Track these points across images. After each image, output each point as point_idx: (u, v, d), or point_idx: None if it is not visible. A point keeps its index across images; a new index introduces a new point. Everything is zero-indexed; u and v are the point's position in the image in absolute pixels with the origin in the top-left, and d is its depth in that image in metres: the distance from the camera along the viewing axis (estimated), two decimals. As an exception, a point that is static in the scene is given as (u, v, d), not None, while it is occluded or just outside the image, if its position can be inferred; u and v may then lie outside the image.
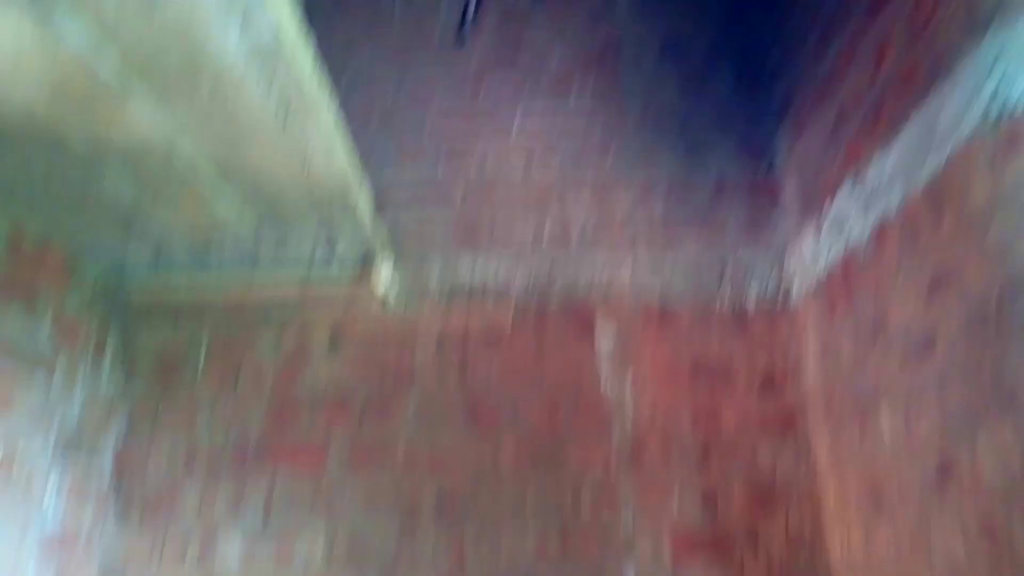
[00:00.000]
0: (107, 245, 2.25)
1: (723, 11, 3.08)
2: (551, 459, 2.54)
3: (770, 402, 2.59)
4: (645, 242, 2.79)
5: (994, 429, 1.60)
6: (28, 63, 1.44)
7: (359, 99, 2.99)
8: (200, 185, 1.91)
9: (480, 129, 2.95)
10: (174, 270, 2.40)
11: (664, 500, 2.49)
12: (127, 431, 2.61)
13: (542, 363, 2.65)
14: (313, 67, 1.64)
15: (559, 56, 3.05)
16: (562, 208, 2.85)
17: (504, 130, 2.95)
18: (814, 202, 2.54)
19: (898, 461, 2.00)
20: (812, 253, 2.54)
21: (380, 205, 2.82)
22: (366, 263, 2.40)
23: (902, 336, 1.97)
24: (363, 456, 2.57)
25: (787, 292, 2.71)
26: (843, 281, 2.32)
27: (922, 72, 1.89)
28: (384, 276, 2.41)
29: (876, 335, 2.11)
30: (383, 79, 3.04)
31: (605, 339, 2.67)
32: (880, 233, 2.09)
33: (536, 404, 2.60)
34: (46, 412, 2.22)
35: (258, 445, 2.59)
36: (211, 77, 1.52)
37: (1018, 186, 1.53)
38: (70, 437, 2.34)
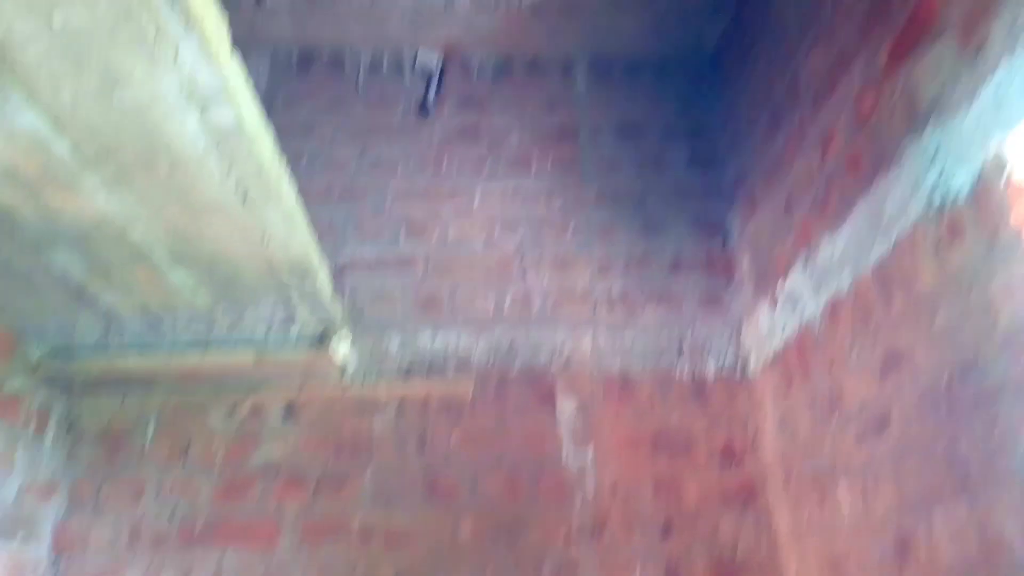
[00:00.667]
0: (54, 321, 2.19)
1: (676, 96, 3.22)
2: (511, 533, 2.50)
3: (731, 474, 2.60)
4: (605, 315, 2.82)
5: (950, 508, 1.63)
6: (-22, 147, 1.40)
7: (320, 174, 3.01)
8: (154, 262, 1.87)
9: (440, 206, 2.99)
10: (124, 345, 2.33)
11: (626, 574, 2.45)
12: (68, 508, 2.50)
13: (503, 435, 2.63)
14: (273, 148, 1.63)
15: (518, 136, 3.13)
16: (522, 282, 2.87)
17: (464, 207, 2.99)
18: (768, 278, 2.61)
19: (857, 537, 2.01)
20: (768, 327, 2.59)
21: (340, 278, 2.81)
22: (324, 336, 2.37)
23: (858, 412, 2.01)
24: (317, 532, 2.49)
25: (744, 364, 2.76)
26: (799, 356, 2.36)
27: (867, 161, 1.97)
28: (342, 349, 2.39)
29: (832, 410, 2.14)
30: (344, 155, 3.06)
31: (566, 411, 2.67)
32: (832, 310, 2.15)
33: (496, 477, 2.57)
34: (-18, 489, 2.13)
35: (207, 521, 2.50)
36: (169, 160, 1.51)
37: (961, 273, 1.58)
38: (7, 514, 2.24)
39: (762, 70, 2.70)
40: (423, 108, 3.11)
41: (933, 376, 1.68)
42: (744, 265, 2.84)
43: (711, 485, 2.58)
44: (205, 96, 1.34)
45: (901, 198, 1.80)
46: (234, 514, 2.51)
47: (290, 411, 2.63)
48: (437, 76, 3.16)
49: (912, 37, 1.77)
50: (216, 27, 1.26)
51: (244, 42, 3.07)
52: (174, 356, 2.35)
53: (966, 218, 1.57)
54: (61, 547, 2.45)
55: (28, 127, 1.37)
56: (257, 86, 3.08)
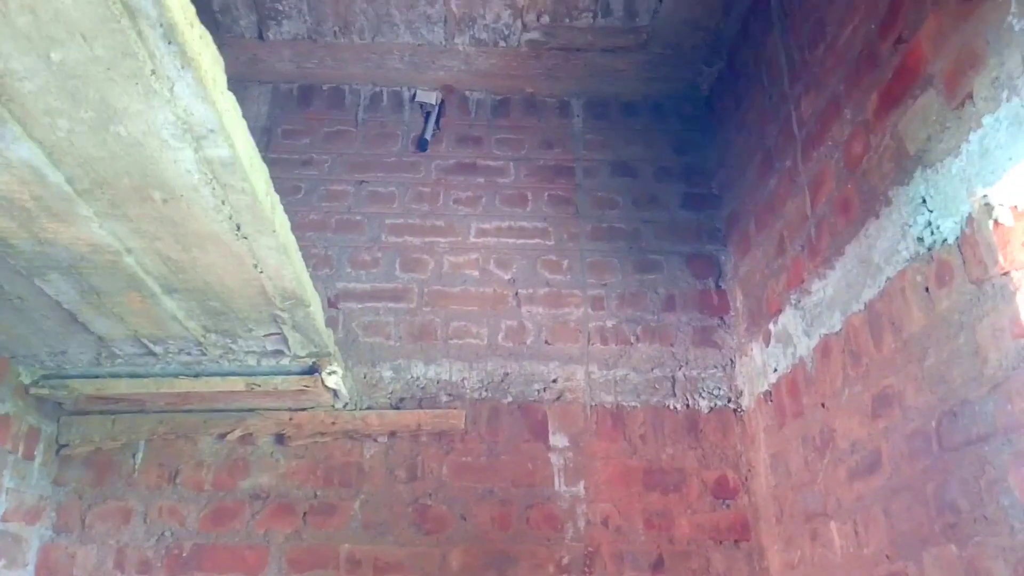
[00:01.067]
0: (46, 346, 2.19)
1: (671, 137, 3.25)
2: (501, 565, 2.49)
3: (723, 510, 2.59)
4: (598, 349, 2.83)
5: (940, 549, 1.63)
6: (-28, 177, 1.41)
7: (318, 205, 3.04)
8: (147, 291, 1.88)
9: (436, 239, 3.01)
10: (115, 370, 2.33)
11: (616, 609, 2.44)
12: (54, 532, 2.49)
13: (494, 467, 2.62)
14: (267, 180, 1.64)
15: (514, 173, 3.16)
16: (516, 315, 2.88)
17: (460, 240, 3.00)
18: (761, 317, 2.62)
19: (848, 575, 2.00)
20: (760, 365, 2.60)
21: (335, 308, 2.82)
22: (316, 366, 2.37)
23: (849, 451, 2.01)
24: (304, 560, 2.48)
25: (738, 400, 2.76)
26: (791, 394, 2.37)
27: (857, 204, 2.00)
28: (334, 378, 2.39)
29: (824, 448, 2.14)
30: (342, 187, 3.09)
31: (558, 444, 2.66)
32: (824, 350, 2.16)
33: (487, 508, 2.56)
34: (-32, 510, 2.12)
35: (194, 547, 2.49)
36: (163, 192, 1.51)
37: (950, 316, 1.59)
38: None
39: (755, 113, 2.74)
40: (421, 143, 3.14)
41: (923, 418, 1.69)
42: (737, 303, 2.86)
43: (703, 521, 2.57)
44: (200, 131, 1.35)
45: (891, 242, 1.82)
46: (221, 540, 2.50)
47: (280, 439, 2.62)
48: (436, 112, 3.19)
49: (900, 87, 1.80)
50: (212, 64, 1.28)
51: (246, 75, 3.11)
52: (165, 382, 2.35)
53: (954, 262, 1.58)
54: (46, 572, 2.43)
55: (24, 158, 1.38)
56: (257, 118, 3.11)
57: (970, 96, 1.53)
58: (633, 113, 3.29)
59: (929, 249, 1.67)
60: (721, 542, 2.55)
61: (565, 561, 2.49)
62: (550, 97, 3.30)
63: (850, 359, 2.01)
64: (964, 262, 1.55)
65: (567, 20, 2.99)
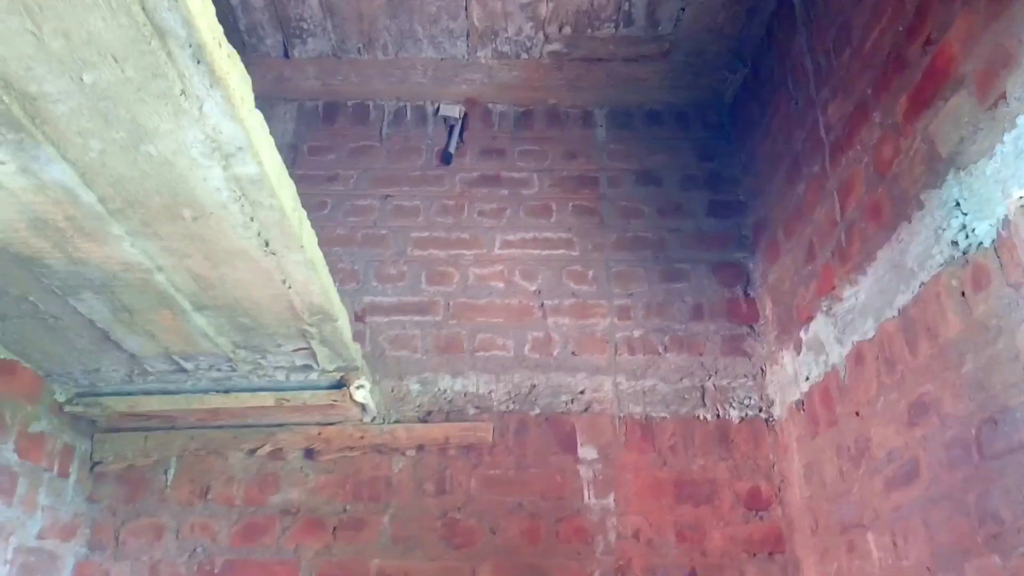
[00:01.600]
0: (80, 364, 2.22)
1: (696, 145, 3.23)
2: (532, 579, 2.46)
3: (756, 522, 2.55)
4: (626, 360, 2.81)
5: (982, 561, 1.59)
6: (7, 198, 1.44)
7: (344, 220, 3.06)
8: (177, 308, 1.90)
9: (461, 251, 3.01)
10: (147, 387, 2.36)
11: (649, 624, 2.41)
12: (89, 548, 2.52)
13: (522, 480, 2.61)
14: (294, 197, 1.66)
15: (538, 184, 3.15)
16: (542, 326, 2.87)
17: (485, 252, 3.00)
18: (791, 325, 2.58)
19: (888, 589, 1.95)
20: (792, 373, 2.56)
21: (361, 322, 2.83)
22: (344, 380, 2.38)
23: (886, 461, 1.96)
24: (335, 575, 2.46)
25: (769, 409, 2.72)
26: (824, 402, 2.33)
27: (888, 209, 1.96)
28: (362, 392, 2.40)
29: (860, 458, 2.10)
30: (367, 202, 3.11)
31: (587, 455, 2.64)
32: (857, 357, 2.12)
33: (516, 522, 2.55)
34: (6, 527, 2.15)
35: (226, 563, 2.50)
36: (193, 210, 1.53)
37: (988, 321, 1.56)
38: (29, 552, 2.25)
39: (781, 119, 2.71)
40: (445, 156, 3.16)
41: (962, 426, 1.65)
42: (766, 311, 2.82)
43: (736, 533, 2.53)
44: (228, 149, 1.37)
45: (924, 246, 1.78)
46: (252, 556, 2.51)
47: (309, 454, 2.63)
48: (459, 125, 3.21)
49: (930, 89, 1.77)
50: (240, 83, 1.30)
51: (272, 92, 3.16)
52: (196, 399, 2.38)
53: (991, 266, 1.54)
54: (81, 587, 2.46)
55: (58, 179, 1.41)
56: (284, 135, 3.16)
57: (1003, 96, 1.50)
58: (657, 122, 3.28)
59: (964, 253, 1.63)
60: (755, 554, 2.50)
61: (596, 575, 2.46)
62: (573, 108, 3.30)
63: (884, 366, 1.97)
64: (1001, 265, 1.51)
65: (589, 31, 2.99)
